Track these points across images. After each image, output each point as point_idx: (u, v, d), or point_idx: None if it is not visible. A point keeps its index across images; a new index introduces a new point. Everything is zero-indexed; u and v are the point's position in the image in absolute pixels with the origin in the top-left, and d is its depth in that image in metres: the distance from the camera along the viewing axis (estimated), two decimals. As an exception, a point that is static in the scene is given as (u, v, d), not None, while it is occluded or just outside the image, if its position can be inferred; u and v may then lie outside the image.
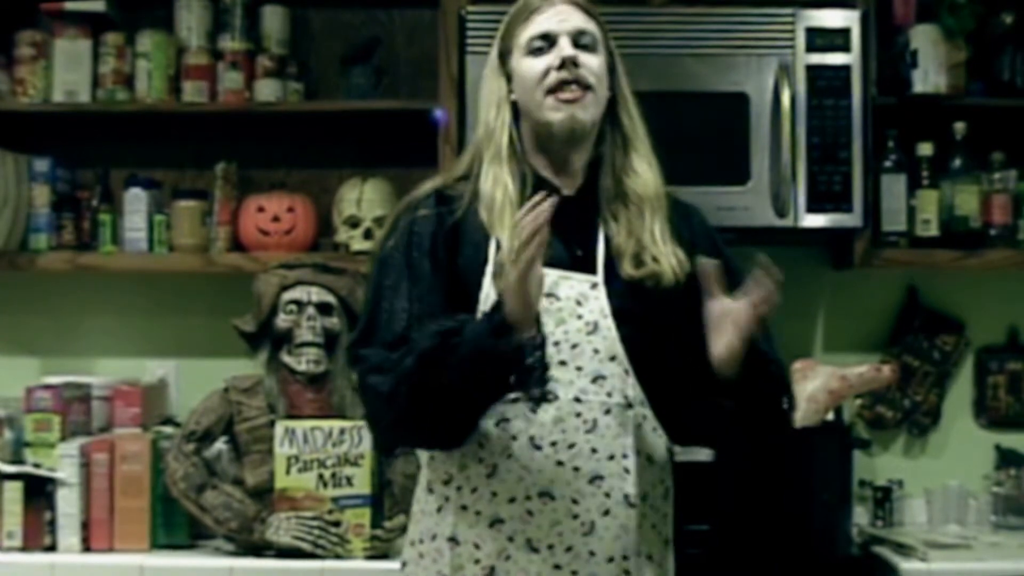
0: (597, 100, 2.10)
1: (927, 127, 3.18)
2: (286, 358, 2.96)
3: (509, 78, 2.13)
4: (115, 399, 3.12)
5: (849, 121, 2.95)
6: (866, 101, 2.98)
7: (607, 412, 2.02)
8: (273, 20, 3.28)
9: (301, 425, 2.86)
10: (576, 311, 2.03)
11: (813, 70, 2.95)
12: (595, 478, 2.01)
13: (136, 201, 3.24)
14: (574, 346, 2.02)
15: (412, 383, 1.94)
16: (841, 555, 2.89)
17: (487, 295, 2.02)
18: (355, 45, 3.33)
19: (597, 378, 2.02)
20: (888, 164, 3.13)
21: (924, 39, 3.10)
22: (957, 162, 3.17)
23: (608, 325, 2.03)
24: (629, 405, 2.03)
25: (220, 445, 2.99)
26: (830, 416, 2.92)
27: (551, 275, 2.02)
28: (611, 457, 2.01)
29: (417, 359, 1.93)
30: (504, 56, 2.14)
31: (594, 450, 2.01)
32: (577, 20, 2.10)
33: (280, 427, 2.86)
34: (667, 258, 2.07)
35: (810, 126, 2.95)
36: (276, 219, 3.21)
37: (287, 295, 2.98)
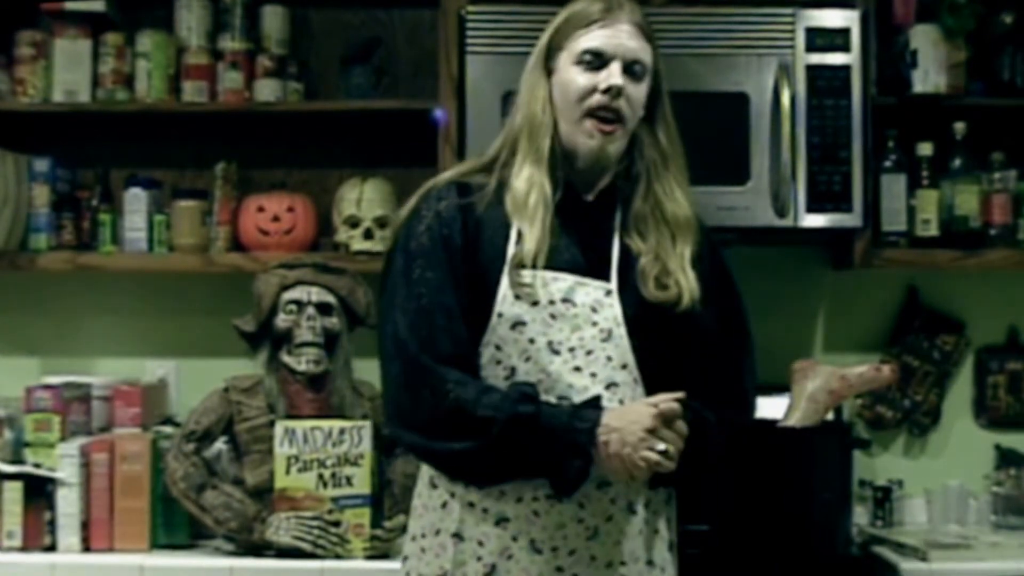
0: (627, 132, 2.09)
1: (927, 127, 3.18)
2: (286, 358, 2.96)
3: (550, 74, 2.11)
4: (115, 399, 3.12)
5: (849, 121, 2.95)
6: (866, 101, 2.98)
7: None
8: (273, 20, 3.28)
9: (301, 425, 2.86)
10: (591, 318, 2.04)
11: (813, 70, 2.95)
12: (602, 484, 2.02)
13: (136, 201, 3.24)
14: (588, 352, 2.02)
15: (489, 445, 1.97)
16: (841, 555, 2.88)
17: (504, 295, 2.02)
18: (355, 45, 3.33)
19: (610, 385, 2.03)
20: (888, 164, 3.13)
21: (924, 39, 3.10)
22: (957, 162, 3.17)
23: (621, 333, 2.04)
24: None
25: (220, 445, 2.99)
26: (830, 416, 2.91)
27: (567, 280, 2.03)
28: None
29: (499, 438, 1.96)
30: (552, 51, 2.11)
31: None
32: (633, 45, 2.07)
33: (280, 427, 2.86)
34: (688, 286, 2.06)
35: (810, 126, 2.95)
36: (276, 219, 3.21)
37: (287, 295, 2.98)
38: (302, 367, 2.95)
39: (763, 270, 3.30)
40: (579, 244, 2.07)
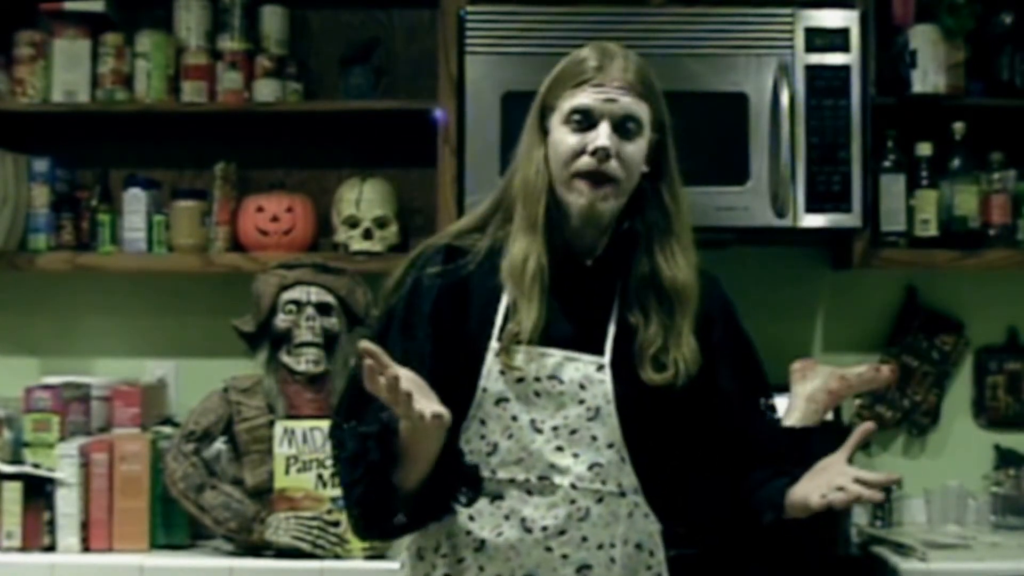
0: (621, 191, 2.00)
1: (926, 127, 3.18)
2: (285, 358, 2.96)
3: (545, 134, 2.03)
4: (114, 399, 3.12)
5: (848, 121, 2.95)
6: (865, 101, 2.98)
7: (599, 500, 1.98)
8: (272, 20, 3.28)
9: (300, 425, 2.86)
10: (579, 395, 1.98)
11: (812, 70, 2.95)
12: (582, 567, 1.97)
13: (135, 201, 3.24)
14: (573, 432, 1.97)
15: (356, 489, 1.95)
16: (840, 555, 2.89)
17: (489, 370, 1.97)
18: (354, 45, 3.33)
19: (593, 465, 1.97)
20: (887, 164, 3.13)
21: (923, 39, 3.10)
22: (956, 162, 3.17)
23: (610, 411, 1.97)
24: (623, 494, 2.00)
25: (219, 445, 2.99)
26: (829, 416, 2.90)
27: (556, 356, 1.98)
28: (600, 547, 1.98)
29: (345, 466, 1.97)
30: (545, 110, 2.04)
31: (584, 538, 1.97)
32: (625, 102, 1.97)
33: (279, 427, 2.86)
34: (687, 360, 1.99)
35: (809, 126, 2.95)
36: (275, 219, 3.21)
37: (286, 295, 2.98)
38: (301, 367, 2.95)
39: (762, 270, 3.30)
40: (574, 315, 2.01)
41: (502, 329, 1.98)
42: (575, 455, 1.97)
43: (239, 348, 3.06)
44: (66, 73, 3.23)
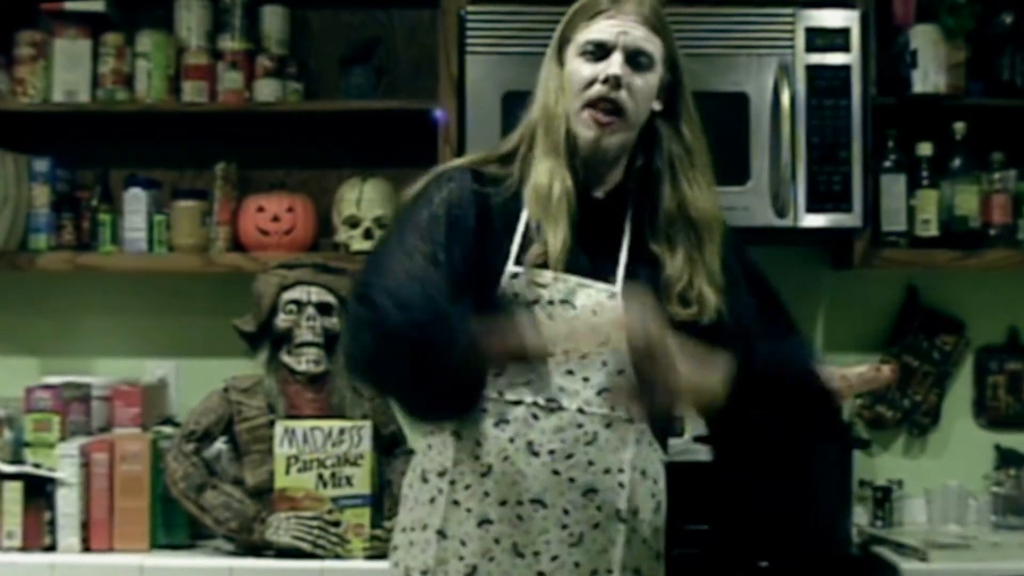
0: (629, 125, 2.04)
1: (927, 127, 3.18)
2: (286, 358, 2.96)
3: (562, 65, 2.08)
4: (115, 399, 3.12)
5: (849, 121, 2.95)
6: (866, 101, 2.98)
7: (608, 425, 2.01)
8: (273, 20, 3.28)
9: (301, 425, 2.86)
10: (591, 322, 2.01)
11: (813, 70, 2.95)
12: (589, 491, 2.00)
13: (136, 201, 3.24)
14: (583, 356, 2.00)
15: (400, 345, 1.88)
16: (841, 555, 2.89)
17: (503, 291, 2.00)
18: (355, 45, 3.33)
19: (603, 391, 2.00)
20: (888, 164, 3.13)
21: (924, 39, 3.10)
22: (957, 162, 3.17)
23: (621, 339, 1.98)
24: (631, 420, 2.02)
25: (220, 445, 2.99)
26: (830, 416, 2.91)
27: (569, 281, 2.01)
28: (607, 471, 2.00)
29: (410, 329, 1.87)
30: (563, 43, 2.09)
31: (591, 463, 2.00)
32: (638, 35, 2.03)
33: (280, 427, 2.86)
34: (713, 301, 2.02)
35: (810, 126, 2.95)
36: (276, 219, 3.21)
37: (287, 295, 2.98)
38: (302, 367, 2.95)
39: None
40: (586, 244, 2.04)
41: (518, 255, 2.01)
42: (585, 379, 2.00)
43: (239, 348, 3.06)
44: (66, 73, 3.23)
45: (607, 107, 2.02)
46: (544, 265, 2.01)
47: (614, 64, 2.02)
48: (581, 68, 2.04)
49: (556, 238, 1.99)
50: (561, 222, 2.00)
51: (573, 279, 2.02)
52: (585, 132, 2.04)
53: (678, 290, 2.02)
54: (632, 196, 2.09)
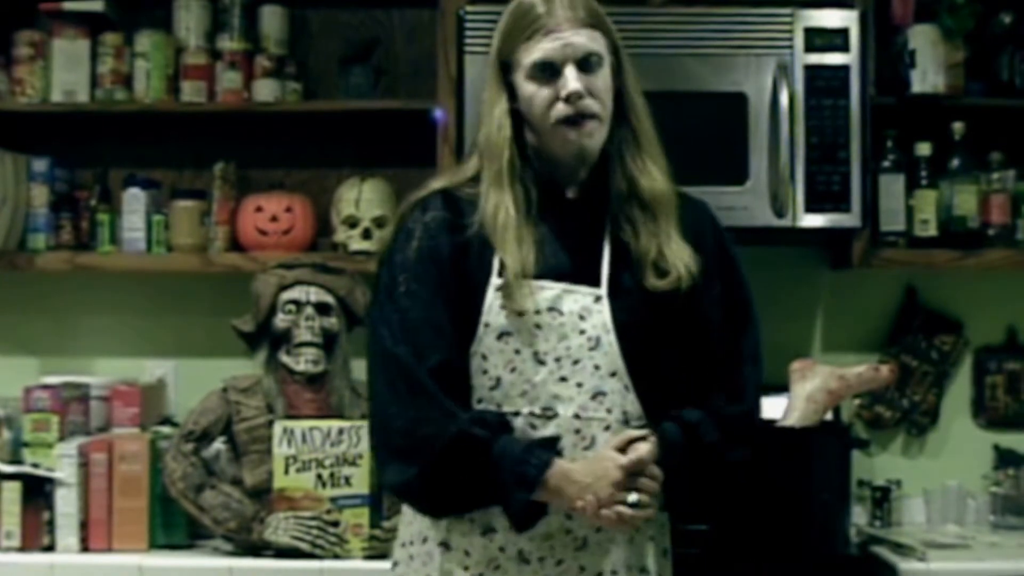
0: (603, 122, 2.05)
1: (926, 127, 3.19)
2: (284, 358, 2.96)
3: (511, 90, 2.07)
4: (114, 399, 3.12)
5: (848, 121, 2.95)
6: (865, 101, 2.98)
7: (606, 429, 2.01)
8: (272, 20, 3.28)
9: (300, 425, 2.86)
10: (579, 326, 2.01)
11: (812, 70, 2.95)
12: None
13: (134, 201, 3.24)
14: (575, 362, 2.00)
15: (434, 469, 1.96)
16: (839, 555, 2.88)
17: (490, 305, 2.00)
18: (354, 45, 3.33)
19: (597, 394, 2.01)
20: (887, 164, 3.14)
21: (923, 39, 3.10)
22: (956, 162, 3.17)
23: (610, 340, 2.01)
24: (627, 422, 2.03)
25: (219, 445, 2.99)
26: (829, 416, 2.92)
27: (554, 288, 2.01)
28: None
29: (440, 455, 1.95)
30: (505, 67, 2.08)
31: None
32: (581, 40, 2.02)
33: (279, 427, 2.86)
34: (684, 262, 2.03)
35: (809, 126, 2.95)
36: (275, 219, 3.21)
37: (286, 295, 2.98)
38: (301, 367, 2.95)
39: (761, 270, 3.26)
40: (566, 247, 2.04)
41: (502, 265, 2.01)
42: (578, 384, 2.01)
43: (238, 348, 3.06)
44: (65, 73, 3.23)
45: (577, 118, 2.02)
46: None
47: (570, 80, 2.01)
48: (538, 92, 2.03)
49: (515, 261, 1.99)
50: (510, 243, 2.00)
51: (558, 286, 2.02)
52: (565, 144, 2.04)
53: (651, 260, 2.03)
54: (612, 192, 2.09)
